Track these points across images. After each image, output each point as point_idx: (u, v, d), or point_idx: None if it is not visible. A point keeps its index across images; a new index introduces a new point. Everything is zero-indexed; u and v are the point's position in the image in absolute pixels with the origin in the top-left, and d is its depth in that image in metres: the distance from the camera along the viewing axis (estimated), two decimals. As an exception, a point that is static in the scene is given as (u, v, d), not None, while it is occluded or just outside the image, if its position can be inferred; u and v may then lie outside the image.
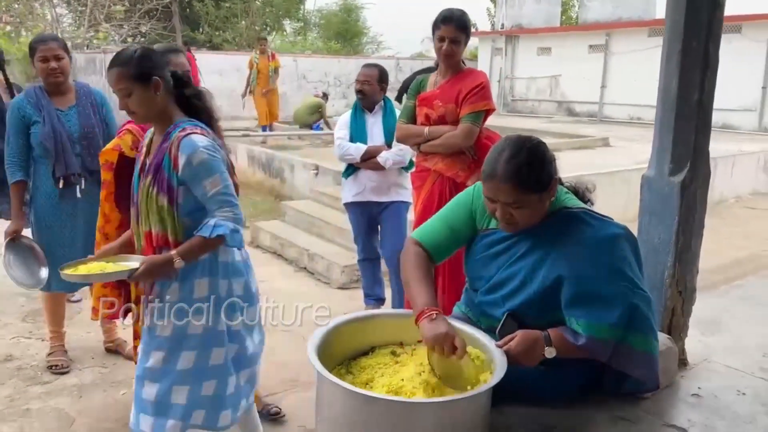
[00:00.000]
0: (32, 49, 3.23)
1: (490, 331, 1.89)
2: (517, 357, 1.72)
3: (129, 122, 2.54)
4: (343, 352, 1.90)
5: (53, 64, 3.20)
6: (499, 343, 1.77)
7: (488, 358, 1.78)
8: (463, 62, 3.23)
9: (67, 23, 21.05)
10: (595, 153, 9.77)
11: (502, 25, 18.69)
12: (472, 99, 3.03)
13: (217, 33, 22.25)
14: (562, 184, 1.94)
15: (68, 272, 2.16)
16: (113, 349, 3.70)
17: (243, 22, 22.98)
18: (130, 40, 20.14)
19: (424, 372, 1.73)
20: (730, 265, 5.01)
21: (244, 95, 11.55)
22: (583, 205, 1.89)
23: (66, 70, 3.25)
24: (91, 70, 14.80)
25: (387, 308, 3.99)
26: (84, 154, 3.30)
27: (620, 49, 15.86)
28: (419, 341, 1.85)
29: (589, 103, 16.36)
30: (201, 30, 22.35)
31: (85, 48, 16.76)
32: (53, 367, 3.43)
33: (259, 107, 11.18)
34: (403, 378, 1.73)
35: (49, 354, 3.51)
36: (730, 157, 8.89)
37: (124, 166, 2.52)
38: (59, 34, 18.87)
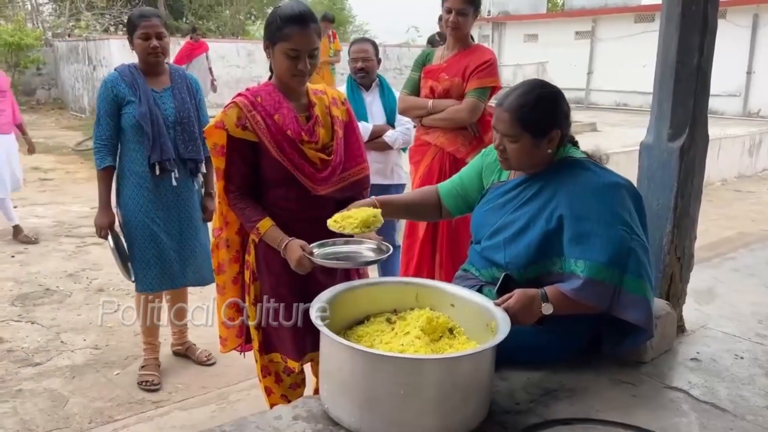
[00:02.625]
0: (133, 24, 2.95)
1: (490, 284, 1.92)
2: (515, 315, 1.73)
3: (239, 95, 2.09)
4: (340, 321, 1.88)
5: (155, 42, 2.92)
6: (497, 301, 1.78)
7: (487, 316, 1.78)
8: (472, 38, 3.19)
9: (47, 12, 20.74)
10: (583, 137, 9.74)
11: (489, 11, 18.69)
12: (480, 74, 2.99)
13: (200, 22, 22.02)
14: (575, 144, 1.98)
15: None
16: (182, 353, 3.41)
17: (227, 11, 22.75)
18: (112, 29, 19.87)
19: (422, 337, 1.75)
20: (719, 242, 5.04)
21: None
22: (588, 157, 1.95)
23: (167, 50, 2.99)
24: (74, 59, 14.58)
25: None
26: (178, 141, 2.99)
27: (607, 35, 15.94)
28: (412, 308, 1.90)
29: (576, 89, 16.43)
30: (185, 19, 22.10)
31: (67, 36, 16.49)
32: (144, 383, 3.09)
33: None
34: (402, 343, 1.73)
35: (142, 367, 3.19)
36: (716, 141, 8.98)
37: (233, 148, 2.07)
38: (39, 24, 18.72)
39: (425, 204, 2.23)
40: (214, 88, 10.48)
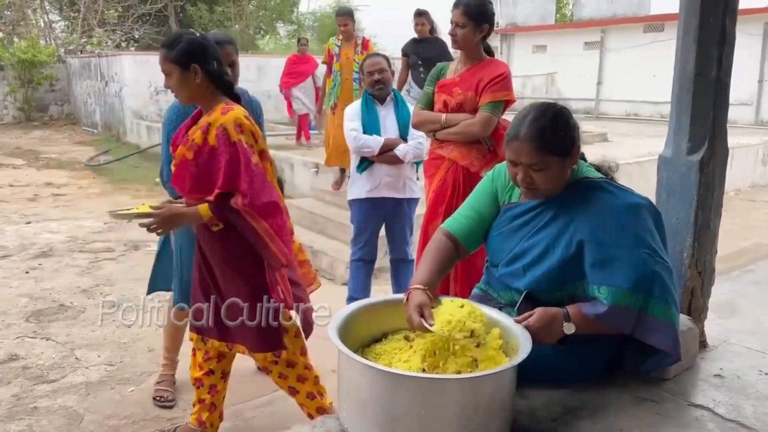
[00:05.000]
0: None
1: (510, 305, 1.89)
2: (535, 333, 1.70)
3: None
4: (357, 339, 1.86)
5: (227, 71, 2.78)
6: (518, 318, 1.76)
7: (504, 333, 1.76)
8: (491, 52, 3.17)
9: (59, 29, 21.00)
10: (594, 148, 9.77)
11: (497, 23, 18.72)
12: (493, 88, 2.98)
13: (211, 37, 22.21)
14: (585, 160, 1.94)
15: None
16: None
17: (236, 26, 22.93)
18: (123, 45, 20.09)
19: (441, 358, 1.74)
20: (736, 254, 5.00)
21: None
22: (604, 177, 1.90)
23: (237, 78, 2.90)
24: (87, 75, 14.74)
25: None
26: None
27: (615, 45, 15.92)
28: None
29: (586, 99, 16.39)
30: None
31: (79, 53, 16.68)
32: (159, 398, 3.10)
33: (330, 136, 6.14)
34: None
35: (158, 382, 3.18)
36: (730, 150, 8.88)
37: None
38: (52, 41, 18.95)
39: (450, 258, 2.01)
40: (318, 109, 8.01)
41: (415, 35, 6.35)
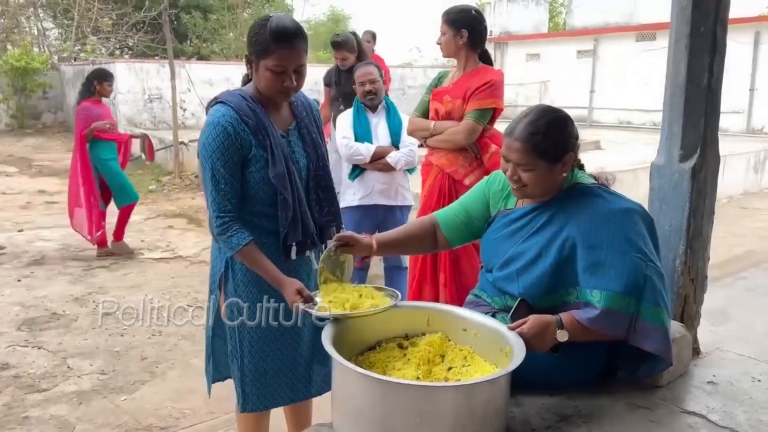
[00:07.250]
0: (264, 46, 1.90)
1: (503, 311, 1.90)
2: (529, 341, 1.70)
3: None
4: (351, 348, 1.86)
5: (291, 82, 1.94)
6: (511, 326, 1.76)
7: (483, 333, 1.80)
8: (490, 61, 3.18)
9: (53, 37, 20.96)
10: (588, 156, 9.79)
11: (491, 32, 18.81)
12: (479, 96, 2.99)
13: (204, 45, 22.21)
14: (582, 168, 1.96)
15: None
16: None
17: (231, 34, 22.95)
18: (117, 52, 20.07)
19: (435, 366, 1.76)
20: (729, 261, 5.01)
21: None
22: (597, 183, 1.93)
23: (302, 85, 2.01)
24: (80, 82, 14.69)
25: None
26: (312, 204, 2.11)
27: (608, 54, 16.02)
28: (423, 333, 1.89)
29: (579, 108, 16.46)
30: (189, 42, 22.31)
31: (73, 60, 16.65)
32: None
33: None
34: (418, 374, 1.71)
35: None
36: (722, 158, 8.91)
37: None
38: (45, 48, 18.90)
39: (420, 237, 2.11)
40: None
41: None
